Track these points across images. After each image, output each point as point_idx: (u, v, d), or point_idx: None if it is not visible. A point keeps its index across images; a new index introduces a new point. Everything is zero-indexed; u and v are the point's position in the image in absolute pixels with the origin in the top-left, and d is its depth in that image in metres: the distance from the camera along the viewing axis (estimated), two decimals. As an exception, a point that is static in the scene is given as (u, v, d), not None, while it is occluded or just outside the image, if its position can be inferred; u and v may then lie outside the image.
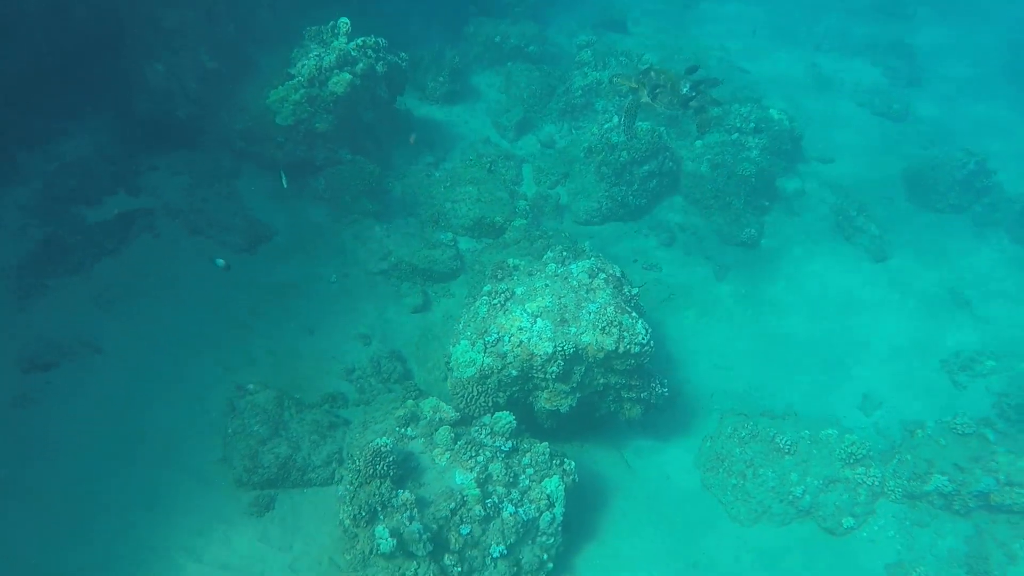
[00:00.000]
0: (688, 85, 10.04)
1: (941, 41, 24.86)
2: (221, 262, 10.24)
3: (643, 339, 10.10)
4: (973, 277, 15.44)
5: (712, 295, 14.51)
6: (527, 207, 14.69)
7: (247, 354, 11.81)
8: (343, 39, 14.34)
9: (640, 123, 15.46)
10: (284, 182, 11.71)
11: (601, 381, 10.53)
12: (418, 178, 15.13)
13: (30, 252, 12.53)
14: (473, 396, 10.28)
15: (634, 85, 10.71)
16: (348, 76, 13.88)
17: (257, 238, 13.51)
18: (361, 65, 14.14)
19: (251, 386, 10.88)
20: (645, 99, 10.62)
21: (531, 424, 10.84)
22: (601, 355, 10.05)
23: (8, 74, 14.06)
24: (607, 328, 10.02)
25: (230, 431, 10.40)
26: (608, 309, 10.24)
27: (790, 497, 11.11)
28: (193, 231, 13.50)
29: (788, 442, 11.37)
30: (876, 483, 11.30)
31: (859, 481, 11.20)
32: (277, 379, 11.48)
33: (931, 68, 22.88)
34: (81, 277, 12.48)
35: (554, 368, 10.02)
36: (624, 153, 15.10)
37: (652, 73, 10.47)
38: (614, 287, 10.83)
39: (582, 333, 10.12)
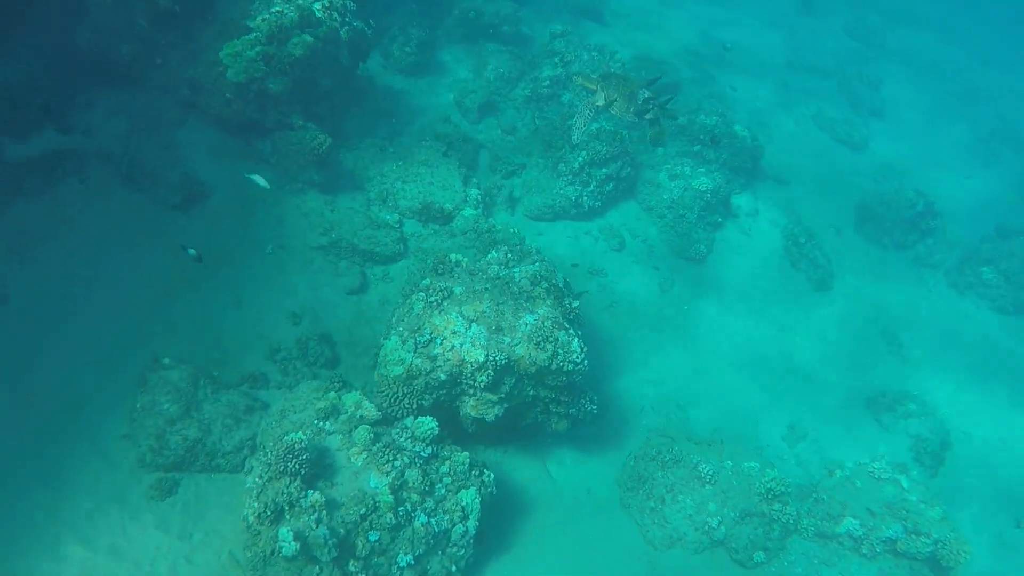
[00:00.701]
0: (644, 96, 10.02)
1: (908, 74, 25.10)
2: (193, 252, 9.64)
3: (577, 358, 9.89)
4: (908, 318, 15.64)
5: (654, 307, 14.39)
6: (479, 196, 14.28)
7: (168, 322, 11.24)
8: (308, -2, 13.63)
9: (604, 124, 15.17)
10: (260, 181, 10.84)
11: (531, 393, 10.31)
12: (371, 152, 14.58)
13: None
14: (398, 396, 9.95)
15: (593, 87, 10.69)
16: (309, 39, 13.19)
17: (192, 196, 12.83)
18: (324, 28, 13.46)
19: (166, 360, 10.36)
20: (601, 102, 10.61)
21: (454, 427, 10.57)
22: (533, 369, 9.81)
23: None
24: (542, 343, 9.77)
25: (138, 406, 9.89)
26: (546, 323, 9.98)
27: (706, 527, 11.11)
28: (125, 181, 12.76)
29: (710, 471, 11.34)
30: (791, 520, 11.38)
31: (775, 517, 11.26)
32: (197, 352, 10.98)
33: (894, 101, 23.04)
34: (-6, 218, 11.72)
35: (484, 377, 9.75)
36: (583, 153, 14.78)
37: (613, 79, 10.43)
38: (555, 298, 10.57)
39: (516, 345, 9.86)
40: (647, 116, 10.34)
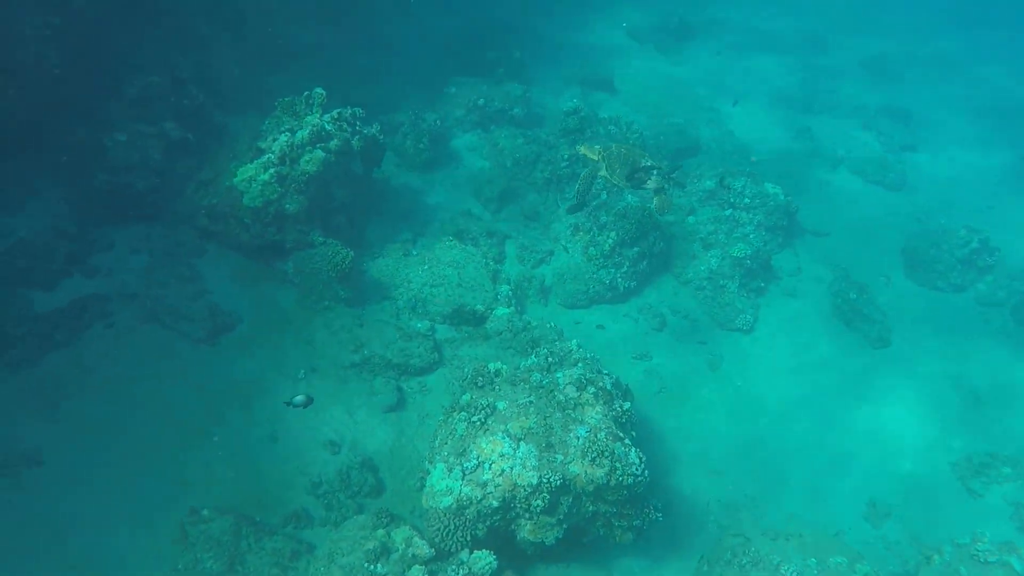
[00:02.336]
0: (646, 164, 10.25)
1: (937, 101, 24.44)
2: (300, 399, 9.30)
3: (637, 470, 9.21)
4: (979, 368, 14.69)
5: (706, 387, 13.67)
6: (510, 292, 13.80)
7: (204, 466, 10.77)
8: (317, 112, 13.46)
9: (631, 200, 14.72)
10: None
11: (591, 509, 9.62)
12: (394, 257, 14.22)
13: (-30, 347, 11.50)
14: (450, 529, 9.32)
15: (595, 157, 10.79)
16: (322, 154, 12.99)
17: (219, 328, 12.50)
18: (336, 141, 13.26)
19: (205, 512, 9.85)
20: (603, 173, 10.72)
21: (512, 550, 9.90)
22: (591, 488, 9.15)
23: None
24: (598, 459, 9.12)
25: (180, 566, 9.37)
26: (599, 435, 9.35)
27: (796, 637, 10.21)
28: (150, 319, 12.49)
29: (793, 572, 10.46)
30: (889, 618, 10.44)
31: (872, 618, 10.33)
32: (236, 495, 10.47)
33: (926, 132, 22.34)
34: (25, 374, 11.44)
35: (539, 502, 9.11)
36: (613, 234, 14.30)
37: (613, 149, 10.55)
38: (604, 403, 9.96)
39: (570, 462, 9.22)
40: (649, 185, 10.41)
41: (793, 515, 11.97)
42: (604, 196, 14.93)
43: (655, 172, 10.27)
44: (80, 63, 13.99)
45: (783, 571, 10.46)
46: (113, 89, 14.35)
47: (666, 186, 10.45)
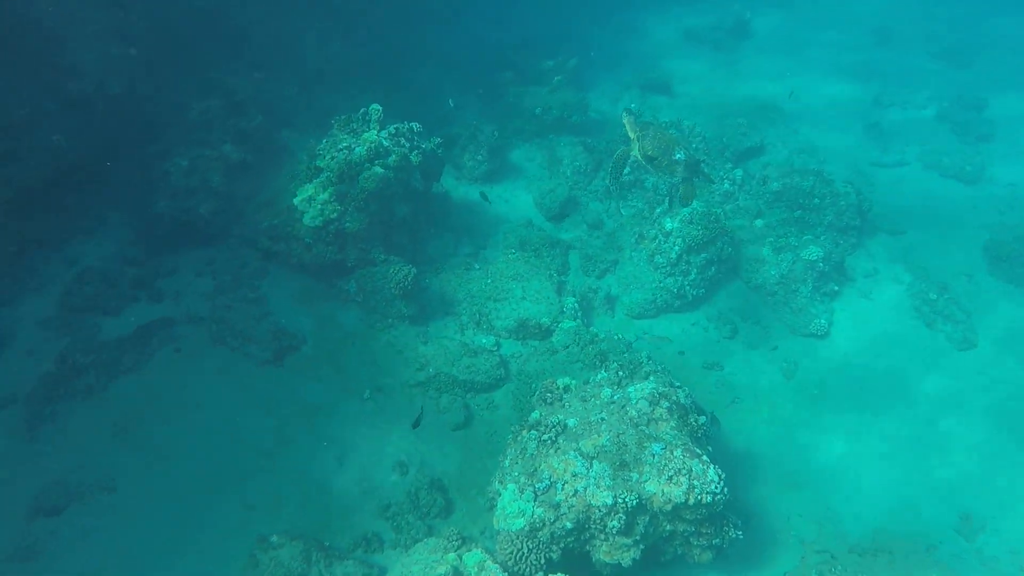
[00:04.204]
0: (678, 156, 10.15)
1: (1009, 88, 23.29)
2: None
3: (716, 487, 8.79)
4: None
5: (781, 397, 13.11)
6: (575, 304, 13.47)
7: (272, 490, 10.72)
8: (375, 128, 13.39)
9: (697, 205, 14.26)
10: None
11: (668, 528, 9.23)
12: (457, 272, 14.04)
13: (42, 374, 11.68)
14: (523, 552, 9.03)
15: (633, 134, 10.62)
16: (380, 170, 12.88)
17: (283, 349, 12.49)
18: (394, 157, 13.14)
19: (275, 538, 9.75)
20: (635, 154, 10.60)
21: (587, 572, 9.56)
22: (669, 507, 8.77)
23: (26, 175, 13.42)
24: (675, 477, 8.74)
25: (252, 594, 9.27)
26: (675, 452, 8.96)
27: (892, 658, 9.63)
28: (216, 341, 12.55)
29: (886, 592, 9.89)
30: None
31: (973, 639, 9.68)
32: (304, 520, 10.39)
33: (1004, 120, 21.24)
34: (96, 401, 11.59)
35: (615, 523, 8.75)
36: (679, 240, 13.87)
37: (651, 130, 10.44)
38: (679, 418, 9.57)
39: (646, 481, 8.85)
40: (677, 174, 10.36)
41: (879, 529, 11.35)
42: (666, 203, 14.50)
43: (683, 163, 10.10)
44: (141, 91, 14.23)
45: (875, 592, 9.90)
46: (174, 115, 14.54)
47: (694, 176, 10.46)
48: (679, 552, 9.66)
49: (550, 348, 12.76)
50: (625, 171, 15.24)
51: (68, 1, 14.01)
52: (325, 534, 10.27)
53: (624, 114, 11.04)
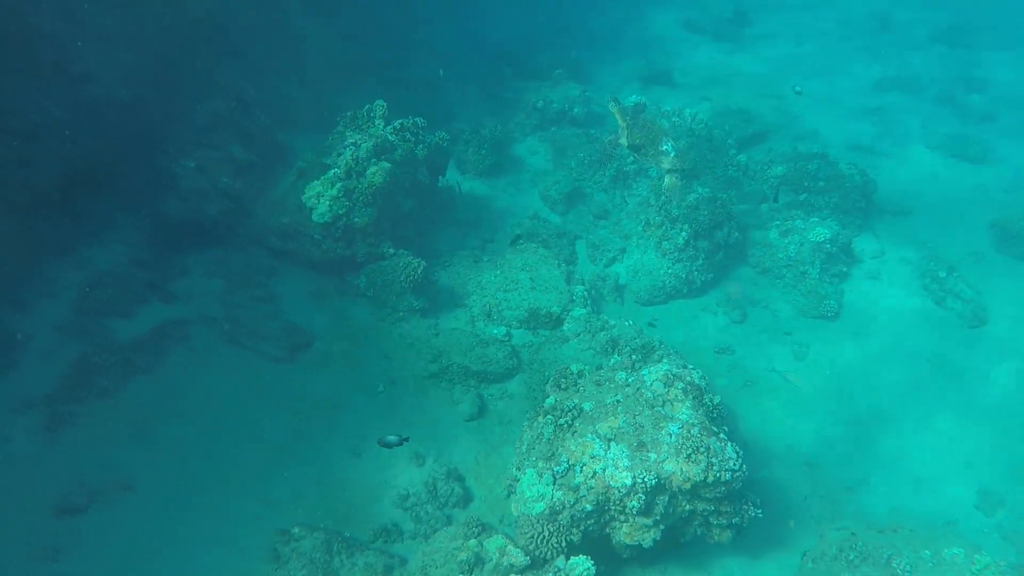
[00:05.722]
0: (664, 148, 10.37)
1: (1009, 68, 23.29)
2: (393, 439, 9.25)
3: (734, 465, 8.83)
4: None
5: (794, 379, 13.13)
6: (584, 292, 13.51)
7: (290, 485, 10.75)
8: (380, 123, 13.46)
9: (701, 191, 14.30)
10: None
11: (687, 508, 9.26)
12: (465, 264, 14.09)
13: (60, 376, 11.73)
14: (544, 536, 9.06)
15: (622, 123, 10.53)
16: (387, 165, 12.96)
17: (296, 346, 12.54)
18: (400, 151, 13.23)
19: (295, 530, 9.80)
20: (624, 142, 10.74)
21: (607, 554, 9.60)
22: (688, 486, 8.80)
23: (39, 181, 13.47)
24: (693, 455, 8.77)
25: (275, 585, 9.32)
26: (692, 430, 9.00)
27: (915, 633, 9.63)
28: (229, 340, 12.59)
29: (907, 566, 9.87)
30: (1017, 613, 9.75)
31: (997, 613, 9.66)
32: (324, 512, 10.43)
33: (1007, 100, 21.25)
34: (113, 402, 11.61)
35: (634, 503, 8.79)
36: (686, 227, 13.90)
37: (640, 121, 10.63)
38: (694, 398, 9.60)
39: (664, 461, 8.89)
40: (664, 165, 10.69)
41: (897, 507, 11.40)
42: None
43: (670, 154, 10.20)
44: (149, 96, 14.29)
45: (895, 565, 9.87)
46: (181, 118, 14.61)
47: (679, 168, 10.76)
48: (699, 533, 9.69)
49: (561, 336, 12.81)
50: (629, 160, 15.43)
51: (78, 9, 14.07)
52: (345, 526, 10.32)
53: (611, 103, 11.09)
